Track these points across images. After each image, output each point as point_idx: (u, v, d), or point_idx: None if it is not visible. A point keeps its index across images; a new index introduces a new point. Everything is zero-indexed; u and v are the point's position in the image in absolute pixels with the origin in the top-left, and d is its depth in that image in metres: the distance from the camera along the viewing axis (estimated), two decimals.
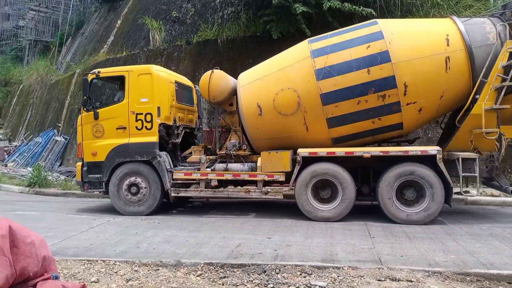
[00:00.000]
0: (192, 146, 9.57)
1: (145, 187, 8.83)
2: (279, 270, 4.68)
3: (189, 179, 8.76)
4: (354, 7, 10.94)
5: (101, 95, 13.58)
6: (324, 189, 7.99)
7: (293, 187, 8.00)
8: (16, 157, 18.92)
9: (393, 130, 7.94)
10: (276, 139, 8.32)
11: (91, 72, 9.34)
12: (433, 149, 7.49)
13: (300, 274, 4.57)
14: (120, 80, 9.33)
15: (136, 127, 8.83)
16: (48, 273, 2.51)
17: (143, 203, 8.80)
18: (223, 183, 8.95)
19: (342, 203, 7.74)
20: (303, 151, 7.91)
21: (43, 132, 19.57)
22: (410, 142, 8.75)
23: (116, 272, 4.70)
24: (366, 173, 8.17)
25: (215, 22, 14.22)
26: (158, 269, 4.83)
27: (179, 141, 9.42)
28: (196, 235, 6.71)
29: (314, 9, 11.33)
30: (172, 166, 8.90)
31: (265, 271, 4.66)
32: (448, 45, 7.48)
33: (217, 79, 8.59)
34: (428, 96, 7.56)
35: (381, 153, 7.67)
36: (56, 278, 2.55)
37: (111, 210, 9.17)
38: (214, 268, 4.83)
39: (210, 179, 8.73)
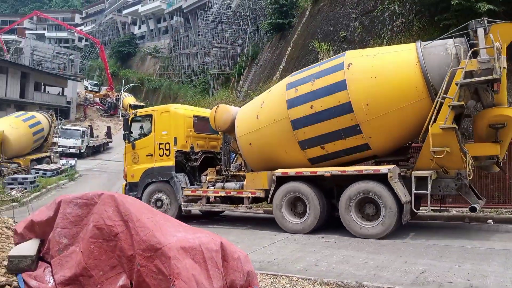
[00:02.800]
0: (208, 168, 10.98)
1: (167, 203, 10.73)
2: None
3: (195, 196, 10.42)
4: None
5: None
6: (298, 204, 8.98)
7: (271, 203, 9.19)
8: None
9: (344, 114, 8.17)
10: (263, 159, 9.55)
11: (131, 113, 11.95)
12: (384, 168, 7.94)
13: None
14: (149, 118, 11.44)
15: (159, 154, 10.93)
16: (251, 287, 2.75)
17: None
18: (225, 199, 10.33)
19: (309, 217, 8.64)
20: (277, 172, 9.07)
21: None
22: (407, 161, 8.94)
23: None
24: (341, 190, 8.51)
25: (385, 36, 13.84)
26: None
27: (197, 164, 11.05)
28: (374, 257, 6.50)
29: (502, 7, 10.07)
30: (188, 185, 10.66)
31: None
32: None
33: (220, 113, 10.25)
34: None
35: (339, 172, 8.41)
36: None
37: None
38: None
39: (209, 196, 10.22)
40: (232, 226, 10.40)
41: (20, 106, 35.75)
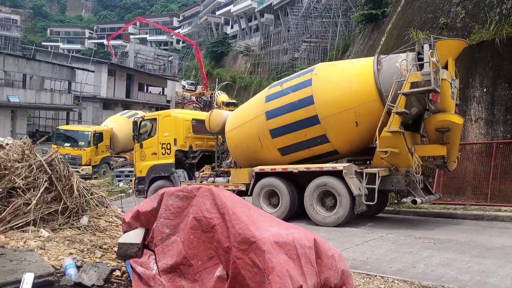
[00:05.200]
0: (205, 165, 12.39)
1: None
2: None
3: None
4: None
5: None
6: (273, 197, 10.25)
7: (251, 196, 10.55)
8: None
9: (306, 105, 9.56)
10: (247, 158, 11.03)
11: (140, 117, 13.82)
12: (340, 166, 9.30)
13: None
14: (155, 121, 13.03)
15: (162, 153, 12.47)
16: (346, 286, 2.70)
17: None
18: None
19: (281, 208, 9.91)
20: (255, 168, 10.48)
21: None
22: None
23: None
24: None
25: (492, 20, 12.59)
26: None
27: (195, 161, 12.48)
28: (479, 261, 6.00)
29: None
30: (186, 180, 11.94)
31: None
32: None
33: (214, 116, 11.86)
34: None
35: (305, 169, 9.78)
36: None
37: (382, 225, 9.29)
38: None
39: None
40: None
41: (126, 105, 39.08)
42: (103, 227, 5.39)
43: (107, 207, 6.09)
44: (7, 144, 6.64)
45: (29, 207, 4.97)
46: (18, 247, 4.24)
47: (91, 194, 5.84)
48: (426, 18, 15.82)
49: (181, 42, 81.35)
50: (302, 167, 9.86)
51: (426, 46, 8.54)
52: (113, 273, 3.88)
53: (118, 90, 40.10)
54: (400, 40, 16.93)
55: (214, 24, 69.46)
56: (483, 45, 12.54)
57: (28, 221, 4.92)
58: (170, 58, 61.66)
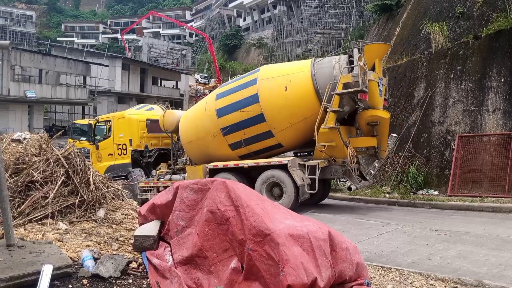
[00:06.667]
0: (162, 163, 12.95)
1: (128, 193, 12.47)
2: None
3: (148, 186, 12.25)
4: None
5: None
6: None
7: None
8: None
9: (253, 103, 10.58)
10: (200, 156, 11.81)
11: (94, 119, 14.32)
12: (285, 159, 10.23)
13: None
14: (109, 122, 13.56)
15: (118, 153, 13.00)
16: (361, 278, 2.69)
17: None
18: None
19: None
20: (209, 165, 11.25)
21: None
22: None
23: (411, 283, 4.63)
24: None
25: (511, 8, 12.29)
26: (457, 287, 4.48)
27: (151, 160, 13.09)
28: (497, 254, 5.92)
29: None
30: (144, 178, 12.51)
31: None
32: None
33: (167, 116, 12.48)
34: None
35: (254, 164, 10.72)
36: (368, 285, 2.71)
37: (397, 218, 9.23)
38: None
39: (159, 186, 11.93)
40: None
41: (140, 99, 39.36)
42: (119, 219, 5.46)
43: (123, 200, 6.17)
44: (24, 138, 6.77)
45: (47, 200, 5.05)
46: (37, 240, 4.32)
47: (107, 187, 5.92)
48: (442, 7, 15.53)
49: (194, 36, 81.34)
50: (252, 162, 10.82)
51: (355, 50, 9.58)
52: (130, 265, 3.93)
53: (132, 84, 40.39)
54: (416, 30, 16.68)
55: (227, 17, 69.25)
56: (501, 34, 12.27)
57: (46, 214, 5.00)
58: (183, 52, 61.76)
